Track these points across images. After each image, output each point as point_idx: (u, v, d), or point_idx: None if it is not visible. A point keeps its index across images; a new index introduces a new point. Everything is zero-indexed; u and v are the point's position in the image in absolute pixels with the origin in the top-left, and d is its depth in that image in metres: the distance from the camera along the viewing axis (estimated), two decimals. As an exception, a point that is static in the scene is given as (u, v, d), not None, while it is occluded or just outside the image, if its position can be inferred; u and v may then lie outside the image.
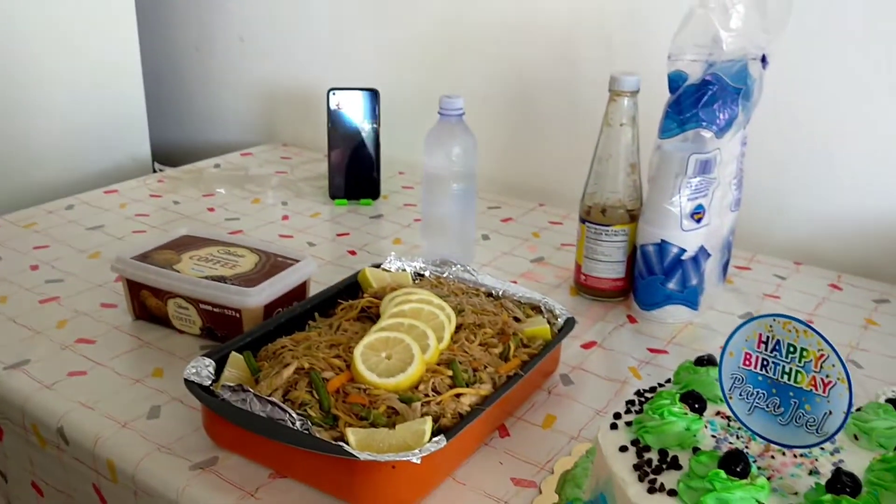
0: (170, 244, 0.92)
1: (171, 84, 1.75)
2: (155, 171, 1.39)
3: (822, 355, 0.53)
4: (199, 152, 1.70)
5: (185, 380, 0.67)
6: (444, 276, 0.89)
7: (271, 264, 0.88)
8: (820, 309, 0.96)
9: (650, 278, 0.91)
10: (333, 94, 1.24)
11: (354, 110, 1.25)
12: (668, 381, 0.68)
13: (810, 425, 0.54)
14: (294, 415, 0.62)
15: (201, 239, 0.94)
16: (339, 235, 1.15)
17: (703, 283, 0.91)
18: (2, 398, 0.77)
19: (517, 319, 0.80)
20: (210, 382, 0.68)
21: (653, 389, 0.66)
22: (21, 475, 0.79)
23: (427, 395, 0.66)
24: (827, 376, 0.53)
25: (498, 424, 0.73)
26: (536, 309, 0.83)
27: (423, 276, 0.90)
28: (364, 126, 1.25)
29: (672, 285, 0.90)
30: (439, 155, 0.99)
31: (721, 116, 0.84)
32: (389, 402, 0.64)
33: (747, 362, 0.57)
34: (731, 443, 0.58)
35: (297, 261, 0.89)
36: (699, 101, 0.83)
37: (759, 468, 0.55)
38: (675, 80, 0.86)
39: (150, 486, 0.66)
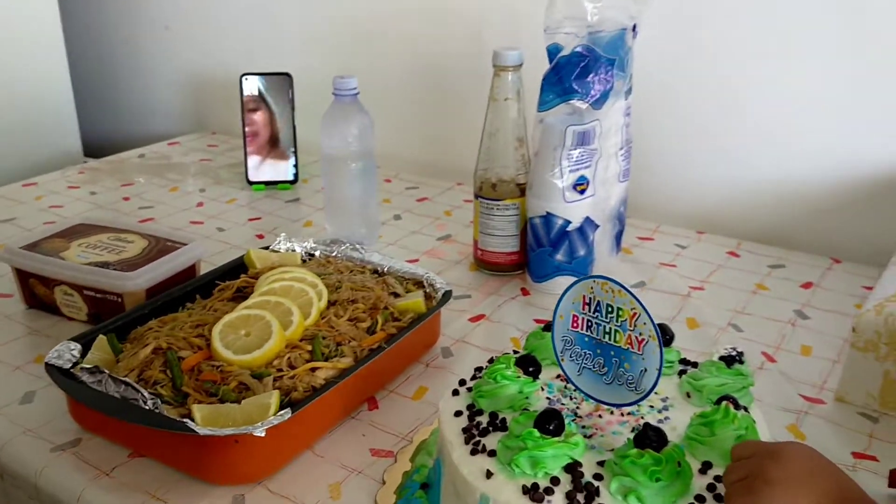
0: (62, 233, 0.92)
1: (100, 76, 1.75)
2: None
3: (634, 314, 0.54)
4: (133, 144, 1.70)
5: (46, 363, 0.68)
6: (333, 255, 0.90)
7: (159, 249, 0.88)
8: (713, 276, 0.97)
9: (539, 250, 0.91)
10: (246, 79, 1.24)
11: (268, 95, 1.25)
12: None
13: (630, 383, 0.55)
14: (146, 394, 0.63)
15: (94, 227, 0.94)
16: (250, 220, 1.15)
17: (592, 254, 0.92)
18: None
19: (396, 295, 0.81)
20: (71, 365, 0.68)
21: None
22: None
23: (281, 371, 0.66)
24: (640, 334, 0.54)
25: (366, 397, 0.73)
26: (419, 284, 0.84)
27: (313, 255, 0.90)
28: (278, 110, 1.26)
29: (560, 256, 0.91)
30: (335, 136, 1.00)
31: (596, 87, 0.85)
32: (242, 378, 0.65)
33: (575, 324, 0.57)
34: (563, 404, 0.59)
35: (185, 244, 0.89)
36: (572, 72, 0.84)
37: (584, 427, 0.56)
38: (552, 53, 0.87)
39: (12, 468, 0.67)
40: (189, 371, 0.66)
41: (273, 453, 0.63)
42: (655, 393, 0.55)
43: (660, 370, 0.53)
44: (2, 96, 1.44)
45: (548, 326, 0.66)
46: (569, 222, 0.89)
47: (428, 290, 0.83)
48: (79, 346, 0.70)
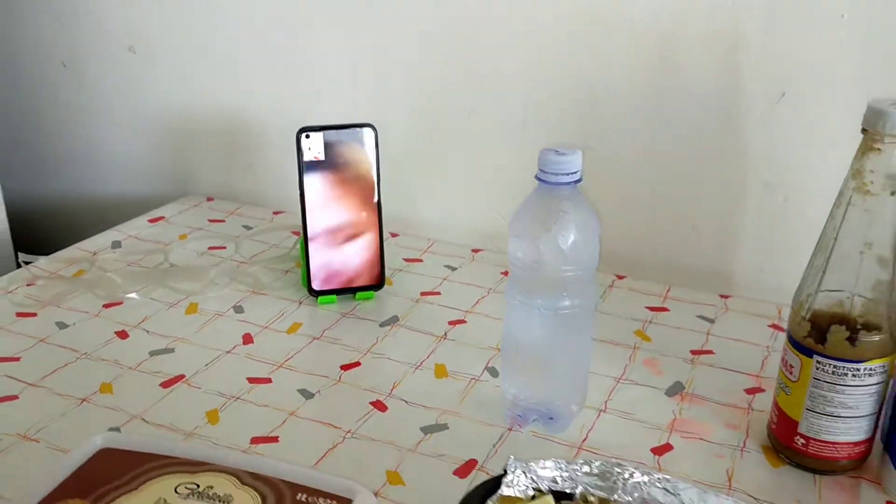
0: (76, 481, 0.47)
1: (35, 119, 1.24)
2: (20, 266, 0.90)
3: None
4: (85, 217, 1.21)
5: None
6: (615, 496, 0.48)
7: (293, 518, 0.44)
8: None
9: (942, 451, 0.53)
10: (307, 136, 0.80)
11: (339, 157, 0.81)
12: None
13: None
14: None
15: (135, 458, 0.49)
16: (345, 368, 0.71)
17: None
18: None
19: None
20: None
21: None
22: None
23: None
24: None
25: None
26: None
27: (570, 497, 0.49)
28: (358, 179, 0.82)
29: (982, 461, 0.53)
30: (536, 249, 0.58)
31: None
32: None
33: None
34: None
35: (347, 501, 0.45)
36: None
37: None
38: None
39: None
40: None
41: None
42: None
43: None
44: None
45: None
46: None
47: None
48: None
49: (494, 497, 0.47)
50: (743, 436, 0.63)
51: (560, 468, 0.49)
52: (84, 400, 0.66)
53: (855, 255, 0.53)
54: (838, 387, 0.55)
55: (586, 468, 0.49)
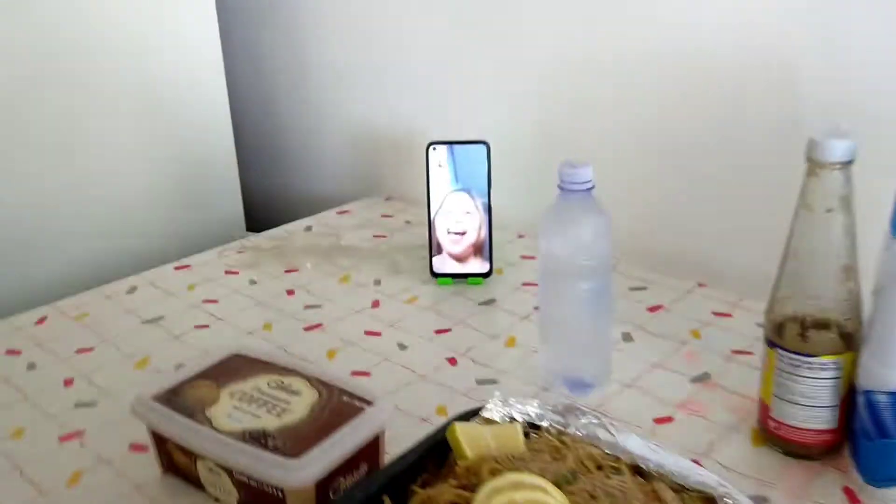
0: (211, 370, 0.71)
1: (264, 130, 1.58)
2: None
3: None
4: (298, 206, 1.52)
5: None
6: (569, 430, 0.63)
7: (331, 409, 0.65)
8: None
9: (882, 442, 0.61)
10: (434, 149, 1.01)
11: (461, 168, 1.01)
12: None
13: None
14: None
15: (252, 361, 0.72)
16: (437, 332, 0.91)
17: (965, 449, 0.61)
18: None
19: (679, 525, 0.53)
20: None
21: None
22: None
23: None
24: None
25: None
26: (710, 501, 0.56)
27: (538, 428, 0.64)
28: (473, 187, 1.01)
29: (916, 453, 0.60)
30: (560, 243, 0.74)
31: None
32: None
33: None
34: None
35: (368, 403, 0.65)
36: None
37: None
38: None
39: None
40: None
41: None
42: None
43: None
44: (158, 154, 1.28)
45: None
46: (937, 406, 0.58)
47: (725, 515, 0.54)
48: None
49: (477, 417, 0.64)
50: (742, 419, 0.73)
51: (532, 406, 0.65)
52: (250, 333, 0.92)
53: (804, 264, 0.63)
54: (795, 377, 0.65)
55: (552, 408, 0.64)
